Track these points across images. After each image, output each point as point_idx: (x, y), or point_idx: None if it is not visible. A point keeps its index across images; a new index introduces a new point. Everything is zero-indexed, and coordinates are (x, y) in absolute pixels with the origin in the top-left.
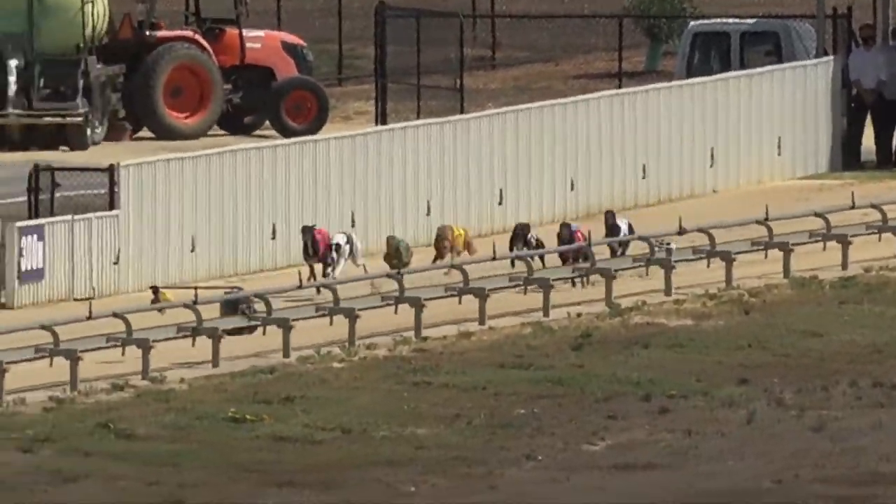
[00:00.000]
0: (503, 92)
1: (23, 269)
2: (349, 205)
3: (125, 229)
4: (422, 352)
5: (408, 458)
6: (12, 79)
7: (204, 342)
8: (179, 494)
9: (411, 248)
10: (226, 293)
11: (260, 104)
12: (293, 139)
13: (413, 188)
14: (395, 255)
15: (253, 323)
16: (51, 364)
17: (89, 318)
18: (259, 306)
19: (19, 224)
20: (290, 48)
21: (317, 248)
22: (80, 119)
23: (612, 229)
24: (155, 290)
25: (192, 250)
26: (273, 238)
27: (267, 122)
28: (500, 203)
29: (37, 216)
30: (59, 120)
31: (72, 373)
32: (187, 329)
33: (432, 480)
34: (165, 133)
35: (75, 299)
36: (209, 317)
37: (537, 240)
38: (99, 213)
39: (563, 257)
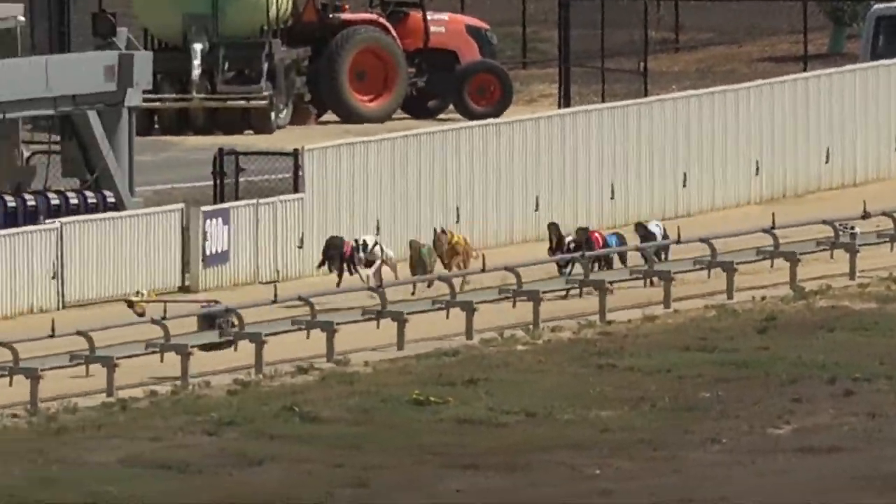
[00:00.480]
0: (686, 75)
1: (207, 252)
2: (532, 188)
3: (309, 213)
4: (606, 335)
5: (592, 441)
6: (196, 62)
7: (389, 325)
8: (363, 477)
9: (433, 252)
10: (202, 307)
11: (444, 88)
12: (477, 122)
13: (596, 171)
14: (419, 262)
15: (226, 338)
16: (234, 349)
17: (274, 301)
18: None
19: (204, 208)
20: (473, 31)
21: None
22: (264, 102)
23: (644, 238)
24: (130, 303)
25: (377, 233)
26: (457, 221)
27: (451, 106)
28: (683, 186)
29: (221, 200)
30: (243, 103)
31: (256, 356)
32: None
33: (617, 463)
34: (350, 116)
35: (260, 283)
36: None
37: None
38: (283, 197)
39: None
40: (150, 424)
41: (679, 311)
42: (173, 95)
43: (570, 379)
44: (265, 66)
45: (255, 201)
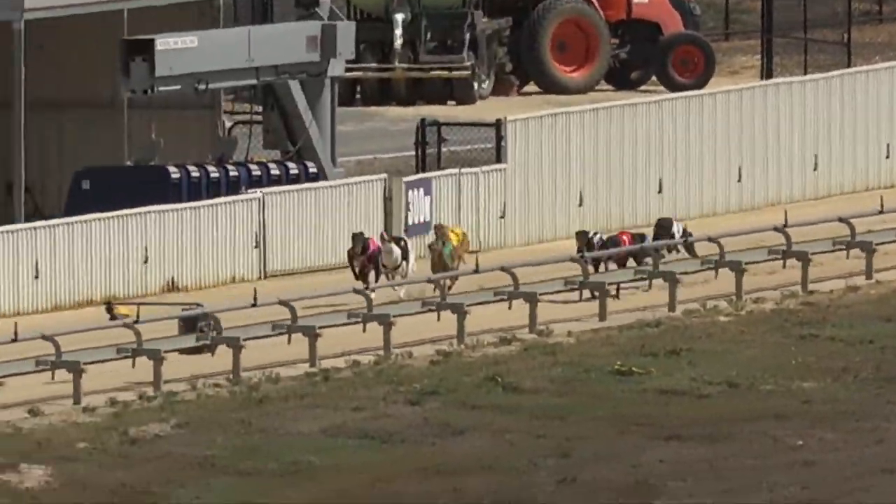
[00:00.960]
0: (891, 46)
1: (410, 222)
2: (736, 158)
3: (511, 183)
4: (808, 305)
5: (795, 412)
6: (398, 32)
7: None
8: (566, 447)
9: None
10: (183, 310)
11: (647, 59)
12: (680, 94)
13: (799, 142)
14: (440, 263)
15: (203, 342)
16: (439, 318)
17: (476, 271)
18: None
19: (406, 178)
20: (677, 3)
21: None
22: (466, 73)
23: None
24: (109, 306)
25: (580, 205)
26: (660, 192)
27: (653, 77)
28: (886, 157)
29: (423, 170)
30: (445, 74)
31: (459, 326)
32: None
33: (819, 434)
34: (552, 87)
35: None
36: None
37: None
38: (485, 167)
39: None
40: (352, 394)
41: (882, 282)
42: (375, 66)
43: (772, 349)
44: (467, 36)
45: (457, 171)
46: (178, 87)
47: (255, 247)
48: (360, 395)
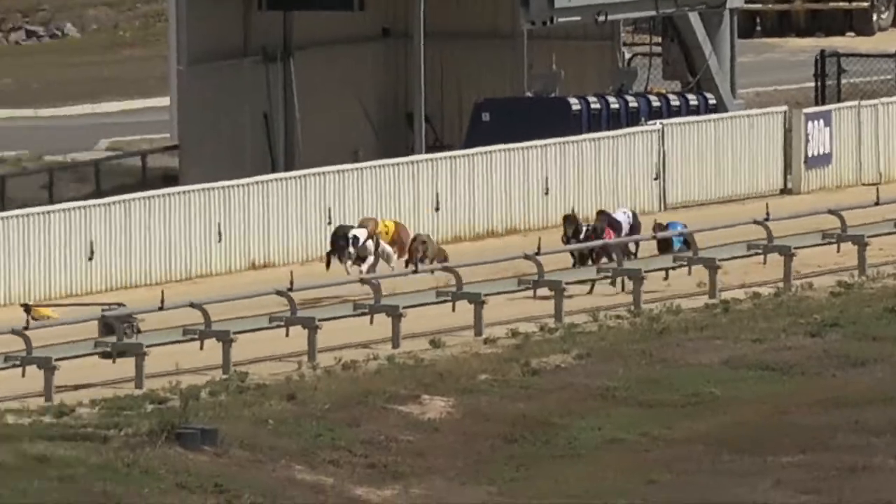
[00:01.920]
0: None
1: (809, 154)
2: None
3: None
4: None
5: None
6: None
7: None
8: None
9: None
10: (103, 310)
11: None
12: None
13: None
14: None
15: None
16: (838, 250)
17: (877, 203)
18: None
19: (806, 110)
20: None
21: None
22: (865, 4)
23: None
24: (27, 307)
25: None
26: None
27: None
28: None
29: (823, 102)
30: (844, 5)
31: (859, 258)
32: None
33: None
34: None
35: (862, 184)
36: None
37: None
38: (885, 99)
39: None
40: (752, 326)
41: None
42: None
43: None
44: None
45: (856, 103)
46: (578, 18)
47: (655, 178)
48: (760, 326)
